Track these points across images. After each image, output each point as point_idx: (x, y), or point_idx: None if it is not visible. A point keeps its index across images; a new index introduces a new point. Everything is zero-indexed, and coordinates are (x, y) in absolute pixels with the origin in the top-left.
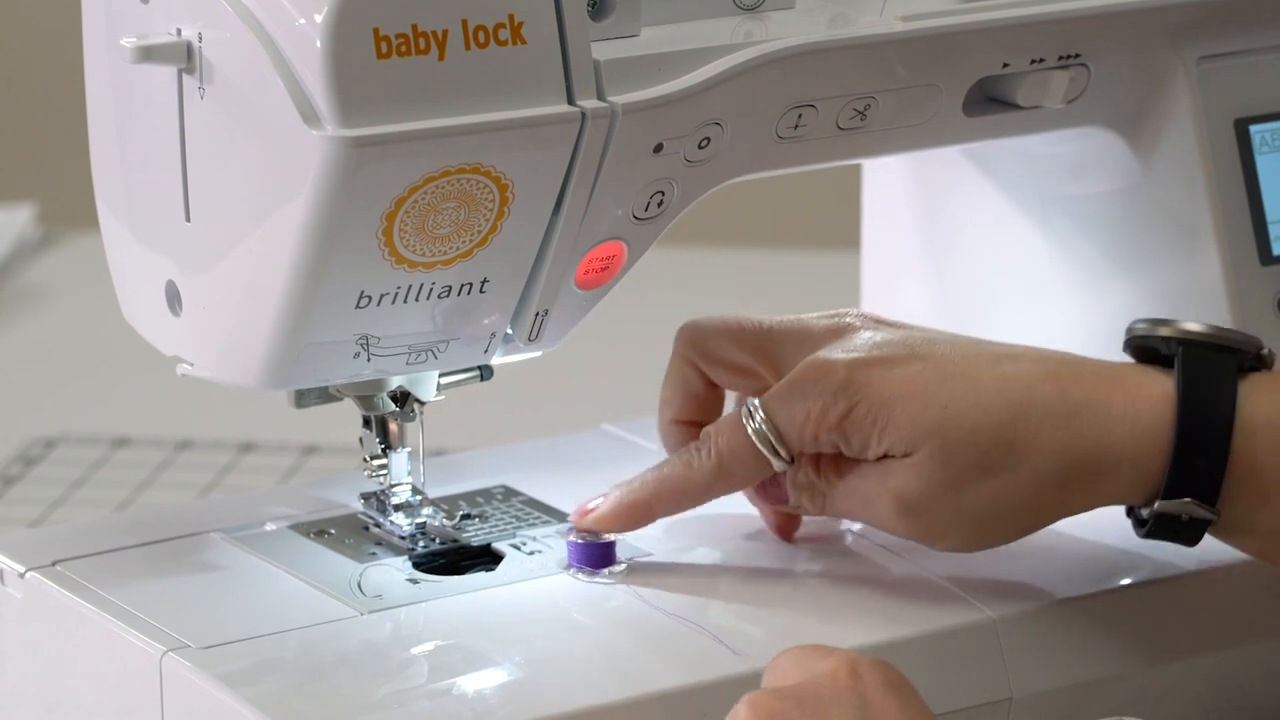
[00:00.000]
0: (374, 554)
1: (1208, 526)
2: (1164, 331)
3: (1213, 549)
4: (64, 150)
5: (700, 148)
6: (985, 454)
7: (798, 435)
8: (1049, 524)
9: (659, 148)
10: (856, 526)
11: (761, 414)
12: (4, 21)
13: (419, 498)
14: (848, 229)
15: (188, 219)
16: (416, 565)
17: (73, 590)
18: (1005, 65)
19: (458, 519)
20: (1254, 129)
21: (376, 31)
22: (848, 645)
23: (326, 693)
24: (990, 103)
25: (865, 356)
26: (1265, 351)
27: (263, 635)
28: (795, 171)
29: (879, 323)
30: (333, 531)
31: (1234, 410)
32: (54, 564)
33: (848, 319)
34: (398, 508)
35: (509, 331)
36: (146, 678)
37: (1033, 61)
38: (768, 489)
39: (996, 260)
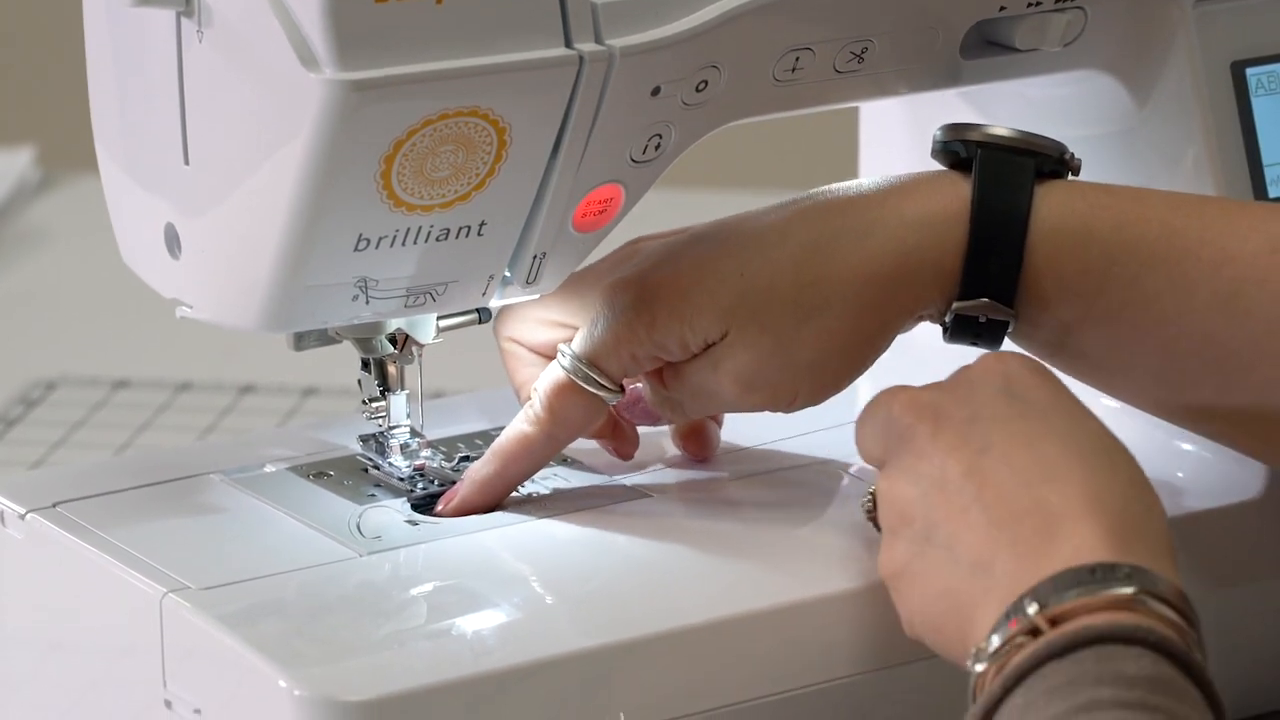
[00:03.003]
0: (373, 495)
1: (1006, 328)
2: (967, 135)
3: (1210, 491)
4: (63, 93)
5: (698, 91)
6: (794, 302)
7: (616, 363)
8: (883, 349)
9: (656, 91)
10: (854, 468)
11: (572, 352)
12: None
13: (418, 440)
14: (845, 172)
15: (186, 162)
16: (415, 507)
17: (73, 531)
18: (1002, 8)
19: (456, 461)
20: (1250, 72)
21: None
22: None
23: (326, 633)
24: (987, 46)
25: (649, 264)
26: (1068, 155)
27: (262, 576)
28: (793, 115)
29: (663, 234)
30: (332, 473)
31: (1029, 212)
32: (54, 505)
33: (631, 246)
34: (396, 449)
35: (507, 274)
36: (146, 618)
37: (1030, 4)
38: (640, 410)
39: None
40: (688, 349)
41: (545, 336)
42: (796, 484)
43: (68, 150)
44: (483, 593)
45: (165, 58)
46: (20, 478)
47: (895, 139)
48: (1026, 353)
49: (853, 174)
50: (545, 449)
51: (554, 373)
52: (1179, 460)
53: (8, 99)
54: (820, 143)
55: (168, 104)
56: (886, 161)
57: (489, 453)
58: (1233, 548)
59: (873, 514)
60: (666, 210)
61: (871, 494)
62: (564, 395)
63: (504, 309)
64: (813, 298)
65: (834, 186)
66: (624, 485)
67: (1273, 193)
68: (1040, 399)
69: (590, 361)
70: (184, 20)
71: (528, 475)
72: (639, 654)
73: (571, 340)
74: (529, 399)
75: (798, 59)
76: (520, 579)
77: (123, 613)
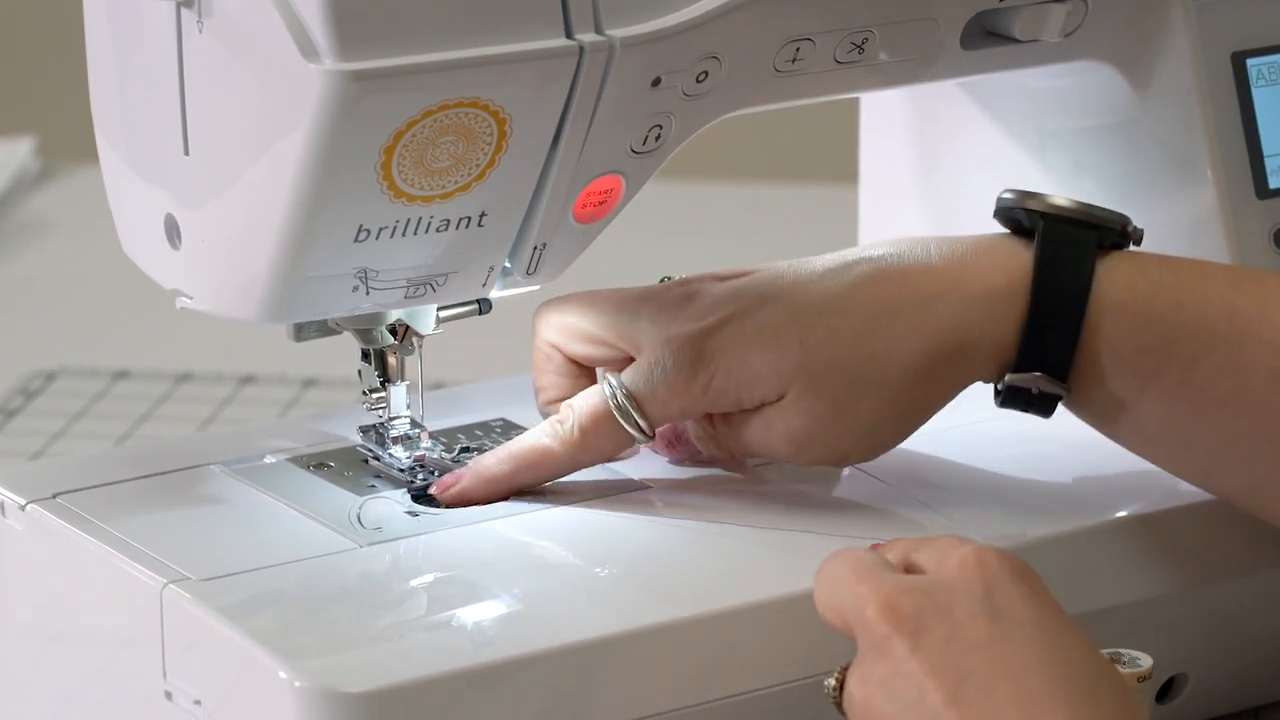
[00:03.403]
0: (373, 486)
1: (1059, 400)
2: (1029, 204)
3: None
4: (63, 83)
5: (698, 81)
6: (852, 373)
7: (662, 411)
8: (936, 412)
9: (657, 81)
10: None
11: (623, 390)
12: None
13: (418, 430)
14: (845, 162)
15: (186, 153)
16: (415, 498)
17: (73, 523)
18: None
19: (457, 452)
20: (1251, 62)
21: None
22: None
23: (326, 624)
24: (988, 36)
25: (715, 319)
26: (1130, 228)
27: (262, 567)
28: (793, 105)
29: (726, 278)
30: (332, 464)
31: (1089, 286)
32: (55, 496)
33: (694, 285)
34: (397, 440)
35: (508, 265)
36: (147, 609)
37: None
38: (681, 447)
39: (994, 194)
40: (741, 406)
41: (584, 351)
42: (799, 475)
43: (68, 140)
44: (483, 584)
45: (165, 48)
46: (20, 469)
47: (895, 130)
48: (1010, 556)
49: (853, 165)
50: (564, 467)
51: (595, 399)
52: None
53: (8, 89)
54: (821, 134)
55: (168, 94)
56: (887, 153)
57: (505, 453)
58: (1229, 539)
59: (838, 700)
60: (667, 201)
61: (838, 681)
62: (600, 424)
63: (548, 309)
64: (872, 371)
65: (896, 249)
66: (626, 477)
67: (1273, 183)
68: (1024, 617)
69: (637, 403)
70: (184, 11)
71: (537, 485)
72: (639, 645)
73: (615, 368)
74: (548, 403)
75: (798, 50)
76: (520, 570)
77: (123, 604)
